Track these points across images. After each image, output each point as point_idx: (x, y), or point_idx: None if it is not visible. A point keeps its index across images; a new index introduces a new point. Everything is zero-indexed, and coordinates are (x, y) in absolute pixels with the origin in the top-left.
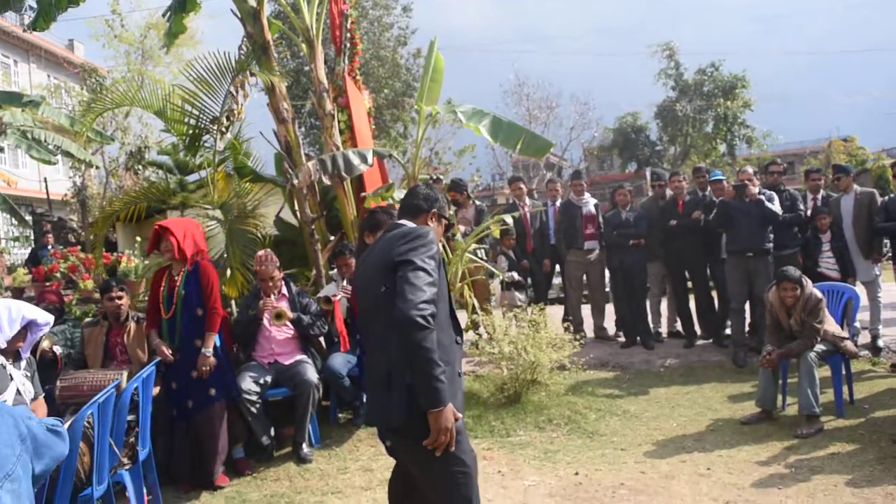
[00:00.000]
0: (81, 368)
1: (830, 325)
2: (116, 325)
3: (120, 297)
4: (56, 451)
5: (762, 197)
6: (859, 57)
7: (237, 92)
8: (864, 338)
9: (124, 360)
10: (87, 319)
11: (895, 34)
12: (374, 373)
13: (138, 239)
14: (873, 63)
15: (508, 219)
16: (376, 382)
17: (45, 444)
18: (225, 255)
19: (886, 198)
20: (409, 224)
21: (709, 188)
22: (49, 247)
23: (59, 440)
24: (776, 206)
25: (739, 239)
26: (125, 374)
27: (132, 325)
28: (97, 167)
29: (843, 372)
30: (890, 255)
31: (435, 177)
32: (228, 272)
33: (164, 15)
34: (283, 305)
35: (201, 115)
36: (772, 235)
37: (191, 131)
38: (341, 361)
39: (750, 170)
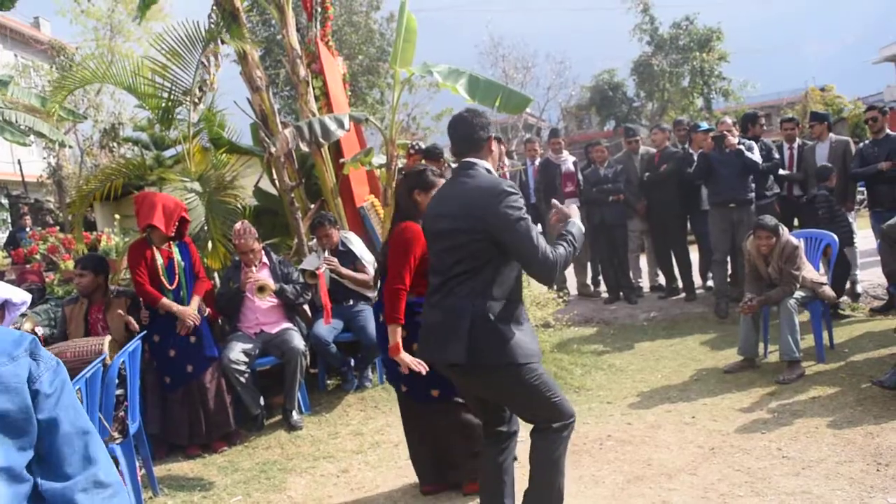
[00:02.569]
0: None
1: (809, 271)
2: (95, 301)
3: (82, 276)
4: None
5: (741, 147)
6: (830, 4)
7: (209, 62)
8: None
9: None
10: (68, 297)
11: None
12: (452, 312)
13: (117, 217)
14: (844, 10)
15: None
16: (453, 322)
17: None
18: (205, 228)
19: (861, 144)
20: (480, 163)
21: (687, 142)
22: (27, 229)
23: None
24: (756, 156)
25: (721, 190)
26: (107, 339)
27: (112, 301)
28: (70, 147)
29: (823, 317)
30: (865, 202)
31: (415, 144)
32: (209, 244)
33: None
34: (265, 275)
35: (173, 88)
36: (753, 185)
37: (163, 104)
38: (327, 328)
39: (728, 120)
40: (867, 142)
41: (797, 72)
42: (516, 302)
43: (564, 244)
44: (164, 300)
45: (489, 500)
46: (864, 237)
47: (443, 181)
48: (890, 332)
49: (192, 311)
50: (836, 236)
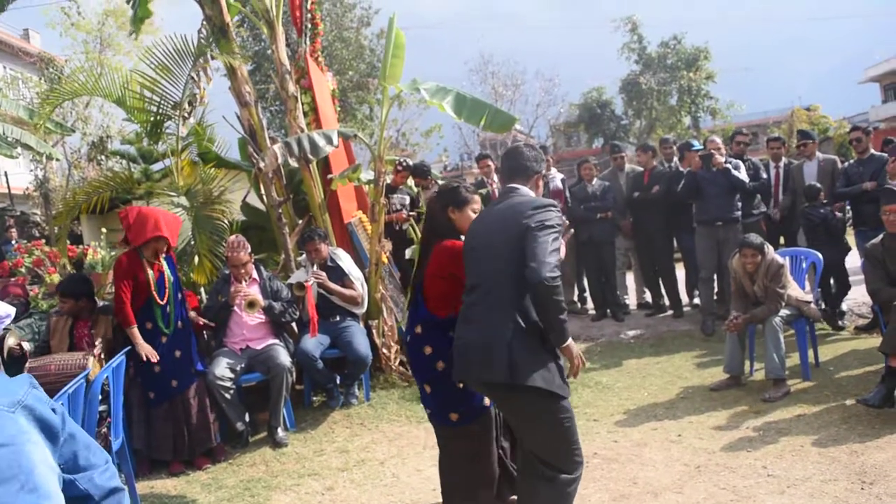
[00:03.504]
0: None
1: (794, 289)
2: (82, 317)
3: (63, 303)
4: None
5: (728, 165)
6: (820, 26)
7: (199, 76)
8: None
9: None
10: (55, 309)
11: (856, 3)
12: (494, 332)
13: (104, 230)
14: (833, 32)
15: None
16: (495, 339)
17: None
18: (192, 243)
19: (846, 163)
20: (524, 188)
21: (675, 159)
22: (13, 241)
23: None
24: (743, 174)
25: (708, 208)
26: (92, 357)
27: (100, 317)
28: (58, 159)
29: (808, 335)
30: (850, 220)
31: (402, 160)
32: (196, 259)
33: (127, 0)
34: (255, 290)
35: (162, 102)
36: (740, 204)
37: (152, 118)
38: (314, 344)
39: (717, 139)
40: (852, 162)
41: (783, 91)
42: None
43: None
44: (133, 329)
45: None
46: (849, 256)
47: (477, 197)
48: (874, 350)
49: (150, 349)
50: (820, 255)
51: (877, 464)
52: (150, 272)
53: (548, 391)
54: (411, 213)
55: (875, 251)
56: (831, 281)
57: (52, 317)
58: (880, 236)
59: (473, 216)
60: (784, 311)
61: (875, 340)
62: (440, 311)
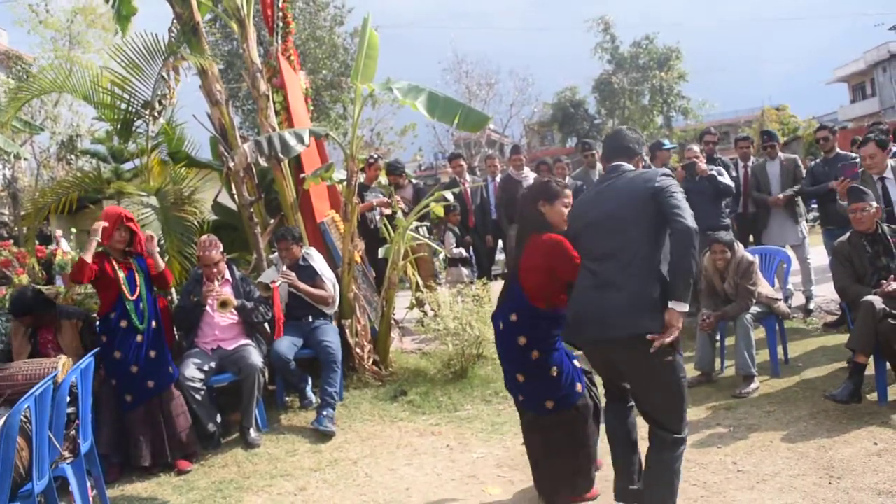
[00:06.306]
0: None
1: (764, 287)
2: (44, 323)
3: (22, 321)
4: None
5: (713, 172)
6: (789, 26)
7: (169, 75)
8: (798, 299)
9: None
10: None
11: (820, 3)
12: (640, 293)
13: (73, 230)
14: (797, 31)
15: (449, 195)
16: (642, 301)
17: None
18: (162, 243)
19: (813, 163)
20: (629, 165)
21: (646, 158)
22: None
23: None
24: (726, 179)
25: (696, 218)
26: (62, 361)
27: (63, 322)
28: (26, 158)
29: (778, 332)
30: (818, 219)
31: (372, 155)
32: (166, 259)
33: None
34: (227, 291)
35: (132, 100)
36: (727, 210)
37: (122, 116)
38: (287, 345)
39: (696, 148)
40: (818, 161)
41: (754, 90)
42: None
43: None
44: (86, 255)
45: (623, 454)
46: (818, 254)
47: (569, 191)
48: (842, 346)
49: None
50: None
51: (844, 458)
52: (118, 270)
53: (671, 342)
54: (389, 200)
55: (843, 249)
56: None
57: (12, 321)
58: (847, 234)
59: (564, 210)
60: (754, 309)
61: (843, 337)
62: (539, 303)
